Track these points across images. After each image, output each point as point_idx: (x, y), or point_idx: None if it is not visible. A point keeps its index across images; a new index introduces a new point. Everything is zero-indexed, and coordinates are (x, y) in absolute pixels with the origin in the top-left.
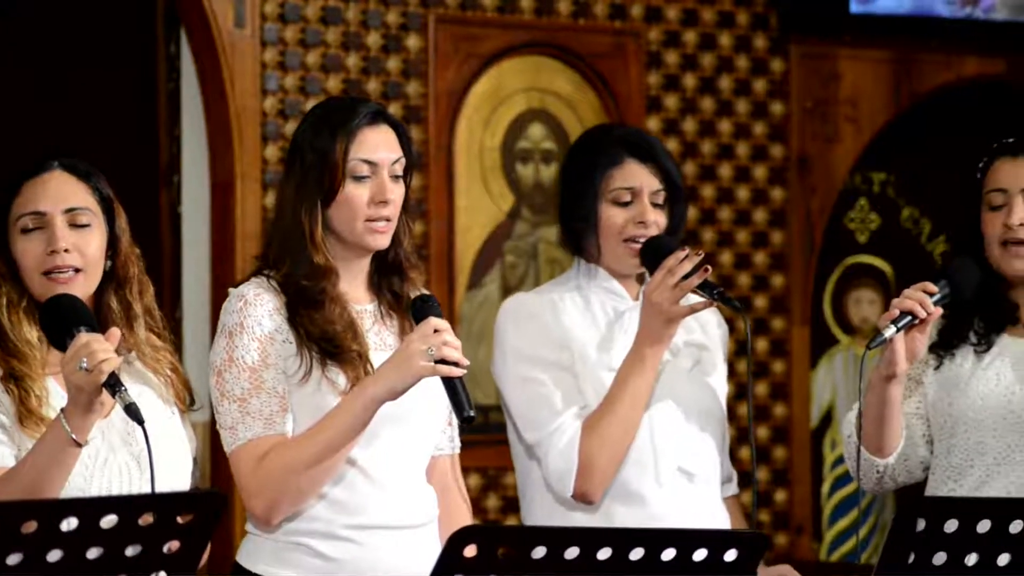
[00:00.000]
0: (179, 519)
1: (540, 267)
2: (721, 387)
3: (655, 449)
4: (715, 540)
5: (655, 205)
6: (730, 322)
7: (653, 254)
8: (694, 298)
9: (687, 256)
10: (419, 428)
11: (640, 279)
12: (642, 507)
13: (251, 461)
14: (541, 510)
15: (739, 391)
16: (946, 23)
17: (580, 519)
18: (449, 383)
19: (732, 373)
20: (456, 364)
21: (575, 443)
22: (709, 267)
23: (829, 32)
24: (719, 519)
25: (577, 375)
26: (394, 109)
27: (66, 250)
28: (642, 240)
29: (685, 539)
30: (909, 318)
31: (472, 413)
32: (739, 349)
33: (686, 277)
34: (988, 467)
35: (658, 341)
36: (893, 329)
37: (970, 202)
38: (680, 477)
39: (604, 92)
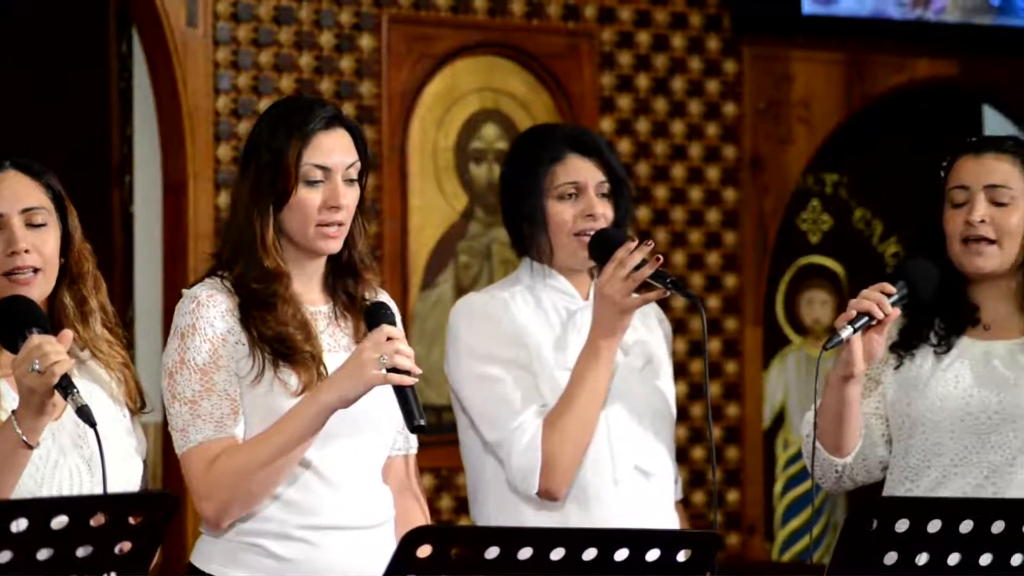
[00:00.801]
0: (130, 520)
1: (494, 267)
2: (669, 386)
3: (612, 448)
4: (668, 540)
5: (601, 196)
6: (678, 323)
7: (602, 247)
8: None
9: (637, 247)
10: (375, 429)
11: (592, 274)
12: (599, 506)
13: (202, 464)
14: (495, 509)
15: (691, 391)
16: (898, 25)
17: (533, 518)
18: (401, 392)
19: (683, 373)
20: (408, 373)
21: (537, 441)
22: (660, 257)
23: (782, 33)
24: (673, 519)
25: (535, 374)
26: (347, 109)
27: (26, 251)
28: (590, 233)
29: (638, 539)
30: (866, 319)
31: (423, 423)
32: (692, 349)
33: (637, 268)
34: (945, 468)
35: (612, 334)
36: (850, 330)
37: (931, 200)
38: (637, 476)
39: (557, 92)
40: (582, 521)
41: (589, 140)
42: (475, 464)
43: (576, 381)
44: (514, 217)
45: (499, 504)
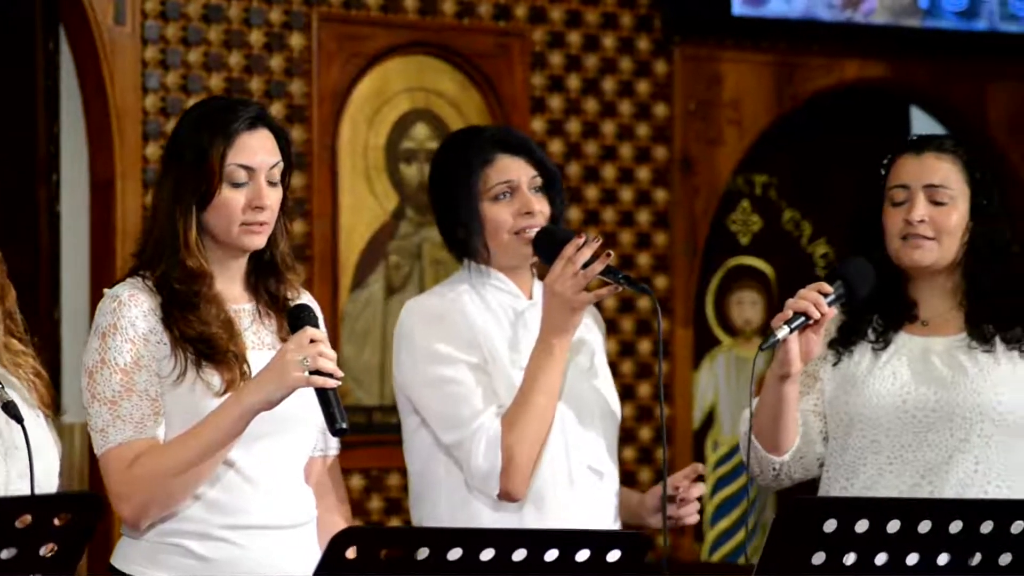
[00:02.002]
0: (55, 521)
1: (424, 267)
2: (612, 388)
3: (567, 448)
4: (598, 541)
5: (535, 192)
6: (609, 324)
7: (549, 244)
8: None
9: (585, 243)
10: (297, 430)
11: (533, 271)
12: (555, 507)
13: (121, 464)
14: (447, 511)
15: (622, 392)
16: (827, 27)
17: (490, 518)
18: (323, 394)
19: (614, 374)
20: (331, 375)
21: (497, 442)
22: (610, 252)
23: (712, 35)
24: (618, 520)
25: (490, 374)
26: (277, 108)
27: None
28: (532, 230)
29: (568, 540)
30: (803, 319)
31: (344, 426)
32: (623, 349)
33: (587, 264)
34: (881, 466)
35: (564, 331)
36: (787, 330)
37: (870, 198)
38: (591, 476)
39: (488, 92)
40: (538, 522)
41: (516, 138)
42: (425, 465)
43: (530, 380)
44: (449, 223)
45: (453, 505)
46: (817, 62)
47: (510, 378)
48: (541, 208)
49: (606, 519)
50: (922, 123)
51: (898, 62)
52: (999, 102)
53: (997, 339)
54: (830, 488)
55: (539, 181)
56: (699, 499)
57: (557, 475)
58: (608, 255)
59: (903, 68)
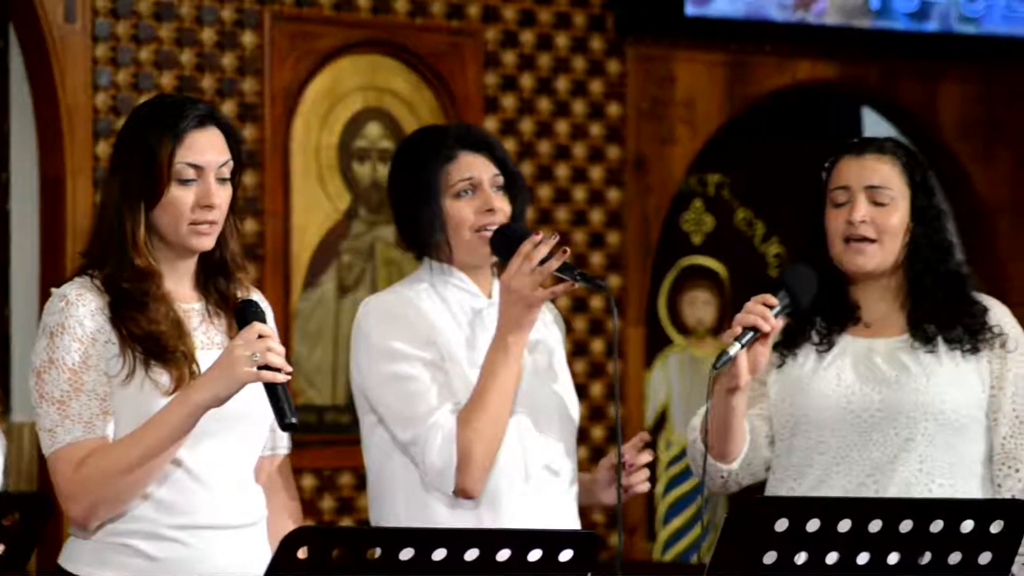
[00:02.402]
0: (3, 522)
1: (377, 267)
2: (571, 388)
3: (524, 446)
4: (550, 540)
5: (496, 190)
6: (567, 325)
7: (506, 242)
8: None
9: (543, 240)
10: (247, 428)
11: (494, 271)
12: (511, 506)
13: (70, 465)
14: (404, 509)
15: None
16: (779, 27)
17: (446, 517)
18: (272, 390)
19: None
20: (280, 370)
21: (452, 439)
22: (567, 249)
23: (665, 34)
24: (576, 519)
25: (447, 372)
26: (229, 106)
27: None
28: (493, 228)
29: (520, 539)
30: (752, 333)
31: (294, 420)
32: (576, 349)
33: (544, 261)
34: (827, 466)
35: (520, 328)
36: (738, 346)
37: (813, 200)
38: (547, 475)
39: (441, 91)
40: (495, 521)
41: (478, 136)
42: (382, 464)
43: (486, 377)
44: (409, 221)
45: (410, 504)
46: (769, 62)
47: (467, 377)
48: (502, 206)
49: (564, 519)
50: (873, 124)
51: (849, 63)
52: (950, 103)
53: (939, 339)
54: (777, 489)
55: (501, 180)
56: (650, 467)
57: (514, 475)
58: (565, 252)
59: (854, 69)
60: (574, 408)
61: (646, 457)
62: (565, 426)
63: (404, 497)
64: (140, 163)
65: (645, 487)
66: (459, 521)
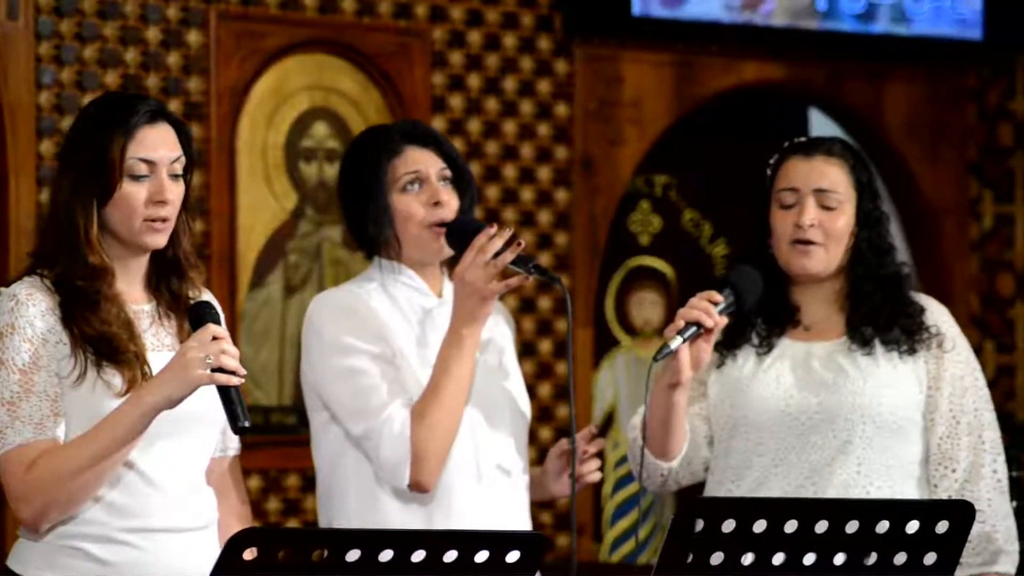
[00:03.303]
0: None
1: (324, 267)
2: (522, 387)
3: (476, 445)
4: (497, 541)
5: (443, 182)
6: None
7: (461, 234)
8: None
9: (497, 233)
10: (199, 430)
11: (443, 268)
12: (462, 504)
13: (20, 466)
14: (355, 506)
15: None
16: (727, 28)
17: (396, 514)
18: (225, 392)
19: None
20: (234, 373)
21: (406, 432)
22: (521, 242)
23: (612, 35)
24: (528, 516)
25: (398, 368)
26: (175, 106)
27: None
28: (443, 222)
29: (467, 540)
30: (695, 328)
31: (247, 424)
32: (523, 350)
33: (498, 254)
34: (765, 468)
35: (474, 321)
36: (679, 340)
37: (759, 199)
38: (499, 474)
39: (389, 91)
40: (446, 520)
41: (423, 130)
42: (334, 462)
43: (441, 371)
44: (359, 219)
45: (361, 501)
46: (717, 63)
47: (417, 375)
48: (449, 199)
49: (516, 518)
50: (821, 124)
51: (796, 64)
52: (896, 104)
53: (876, 341)
54: (716, 491)
55: (448, 173)
56: (600, 456)
57: (465, 473)
58: (519, 244)
59: (801, 70)
60: (525, 406)
61: (596, 446)
62: (517, 424)
63: (355, 495)
64: (91, 160)
65: (596, 476)
66: (409, 518)
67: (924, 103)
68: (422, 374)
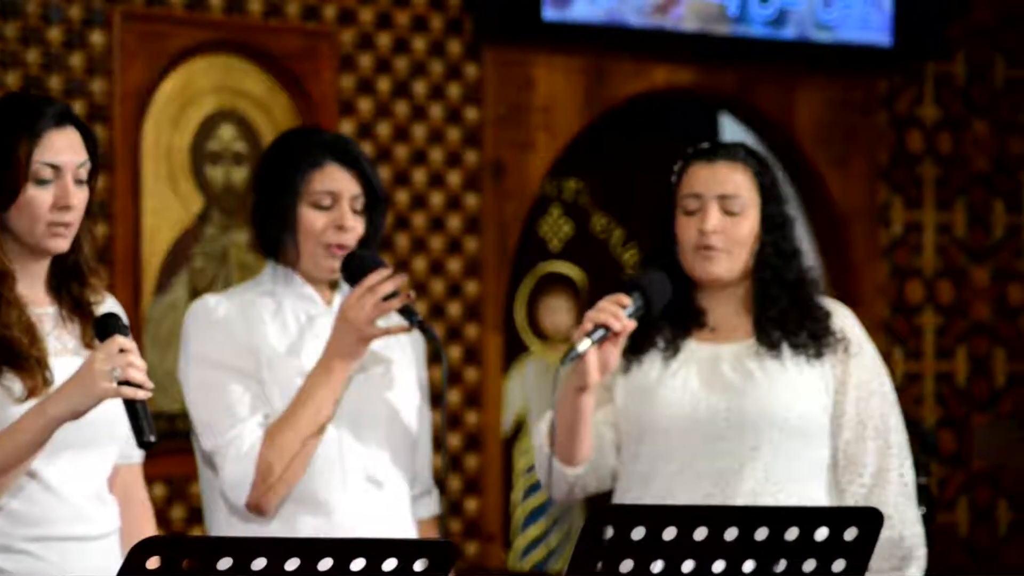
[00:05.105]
0: None
1: (230, 271)
2: (410, 398)
3: (343, 457)
4: (404, 549)
5: (354, 211)
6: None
7: (357, 267)
8: (395, 317)
9: (390, 276)
10: (104, 441)
11: (333, 285)
12: (328, 515)
13: None
14: (225, 519)
15: (433, 401)
16: (637, 32)
17: (261, 527)
18: (131, 406)
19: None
20: (140, 386)
21: (254, 452)
22: (412, 293)
23: (523, 39)
24: (409, 528)
25: (263, 381)
26: (78, 107)
27: None
28: (340, 246)
29: (375, 548)
30: (603, 331)
31: (152, 439)
32: (430, 358)
33: (387, 298)
34: (672, 474)
35: (348, 357)
36: (588, 343)
37: (663, 205)
38: (369, 486)
39: (297, 94)
40: (313, 530)
41: (351, 151)
42: (206, 473)
43: (303, 398)
44: (263, 216)
45: (228, 515)
46: (627, 68)
47: (288, 384)
48: (355, 225)
49: (391, 530)
50: (731, 130)
51: (707, 69)
52: (807, 110)
53: (784, 345)
54: (623, 498)
55: (362, 202)
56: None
57: (331, 484)
58: (409, 296)
59: (712, 75)
60: (409, 418)
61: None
62: (394, 435)
63: (219, 507)
64: None
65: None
66: (275, 532)
67: (834, 109)
68: (294, 382)
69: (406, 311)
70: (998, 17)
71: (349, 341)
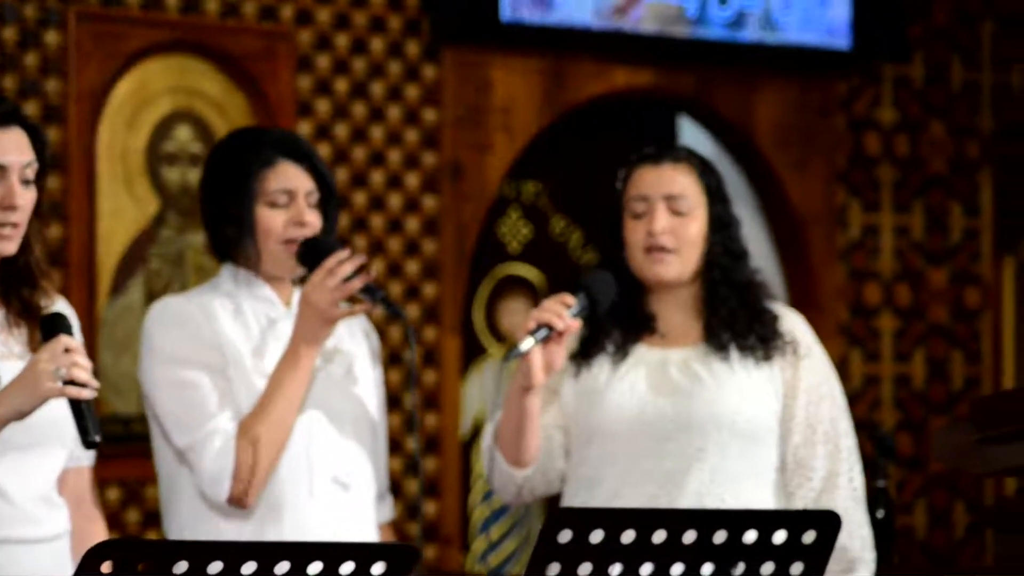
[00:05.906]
0: None
1: (187, 273)
2: (371, 396)
3: (309, 459)
4: (363, 553)
5: (310, 207)
6: (382, 332)
7: (313, 253)
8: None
9: (349, 258)
10: (52, 441)
11: (296, 283)
12: (294, 517)
13: None
14: (188, 520)
15: (389, 403)
16: (596, 34)
17: (226, 528)
18: (76, 405)
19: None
20: (85, 386)
21: (230, 446)
22: (372, 272)
23: (481, 40)
24: (372, 532)
25: (230, 379)
26: (32, 108)
27: None
28: (301, 240)
29: (332, 552)
30: (546, 330)
31: (97, 438)
32: (391, 359)
33: (348, 279)
34: (620, 477)
35: (314, 341)
36: (531, 341)
37: (612, 210)
38: (335, 488)
39: (253, 95)
40: (277, 532)
41: (302, 147)
42: (169, 473)
43: (273, 388)
44: (218, 220)
45: (192, 514)
46: (586, 69)
47: (252, 386)
48: (313, 221)
49: (352, 532)
50: (690, 132)
51: (666, 71)
52: (766, 112)
53: (732, 347)
54: (572, 501)
55: (316, 197)
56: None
57: (298, 486)
58: (369, 274)
59: (671, 77)
60: (375, 417)
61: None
62: (362, 435)
63: (188, 507)
64: None
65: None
66: (240, 532)
67: (793, 111)
68: (258, 384)
69: (368, 291)
70: (955, 19)
71: (314, 325)
